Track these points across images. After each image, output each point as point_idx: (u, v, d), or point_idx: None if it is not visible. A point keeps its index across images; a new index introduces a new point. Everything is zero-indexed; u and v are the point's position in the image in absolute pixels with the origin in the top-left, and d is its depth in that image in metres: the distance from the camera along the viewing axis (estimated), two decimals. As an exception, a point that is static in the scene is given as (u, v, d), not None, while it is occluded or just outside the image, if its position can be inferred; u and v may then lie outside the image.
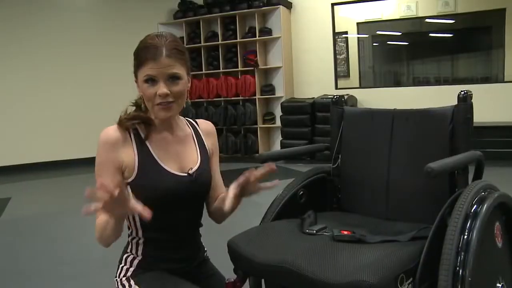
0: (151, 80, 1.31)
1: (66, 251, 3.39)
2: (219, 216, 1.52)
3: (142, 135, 1.38)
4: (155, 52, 1.31)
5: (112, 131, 1.35)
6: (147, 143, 1.38)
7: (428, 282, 1.28)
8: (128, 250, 1.42)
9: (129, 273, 1.39)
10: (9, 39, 6.78)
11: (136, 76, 1.37)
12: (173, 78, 1.32)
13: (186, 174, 1.40)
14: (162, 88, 1.31)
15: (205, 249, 1.55)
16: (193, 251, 1.48)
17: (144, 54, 1.32)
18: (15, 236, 3.84)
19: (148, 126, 1.39)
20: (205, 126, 1.56)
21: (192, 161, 1.44)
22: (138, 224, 1.39)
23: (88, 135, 7.12)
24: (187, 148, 1.46)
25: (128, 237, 1.43)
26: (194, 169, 1.42)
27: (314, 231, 1.45)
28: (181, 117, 1.49)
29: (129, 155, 1.35)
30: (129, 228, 1.41)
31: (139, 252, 1.40)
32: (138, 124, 1.38)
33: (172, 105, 1.34)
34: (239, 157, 7.14)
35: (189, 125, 1.51)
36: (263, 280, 1.56)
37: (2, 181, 6.30)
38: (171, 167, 1.38)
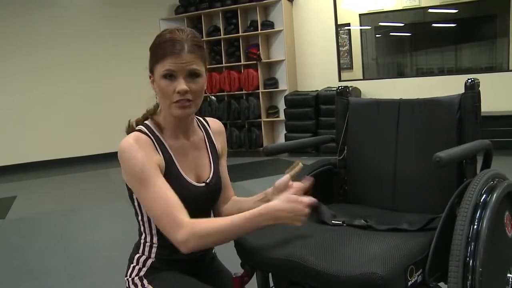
0: (170, 76, 1.26)
1: (73, 250, 3.39)
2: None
3: (163, 140, 1.33)
4: (176, 46, 1.25)
5: (133, 140, 1.27)
6: (169, 149, 1.34)
7: (438, 273, 1.27)
8: (140, 251, 1.39)
9: (142, 273, 1.37)
10: (11, 38, 6.78)
11: (152, 71, 1.31)
12: (193, 75, 1.28)
13: (203, 184, 1.38)
14: (181, 85, 1.26)
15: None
16: (204, 251, 1.47)
17: (164, 48, 1.26)
18: (21, 235, 3.85)
19: (166, 130, 1.35)
20: (215, 126, 1.52)
21: (207, 168, 1.43)
22: (154, 231, 1.36)
23: (92, 133, 7.15)
24: (202, 154, 1.43)
25: (140, 240, 1.40)
26: (209, 178, 1.41)
27: (341, 222, 1.45)
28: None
29: (159, 160, 1.29)
30: (142, 233, 1.39)
31: (152, 254, 1.37)
32: (155, 125, 1.34)
33: (190, 104, 1.29)
34: (244, 152, 7.13)
35: (201, 126, 1.47)
36: (270, 274, 1.55)
37: (8, 180, 6.32)
38: (191, 177, 1.36)
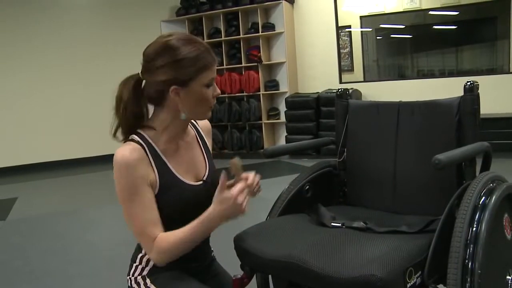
0: (211, 83, 1.34)
1: (74, 250, 3.40)
2: None
3: (156, 147, 1.34)
4: (212, 55, 1.33)
5: (128, 152, 1.28)
6: (162, 155, 1.34)
7: (437, 275, 1.27)
8: (143, 251, 1.39)
9: (144, 272, 1.38)
10: (12, 38, 6.80)
11: (185, 84, 1.30)
12: None
13: (201, 182, 1.40)
14: (218, 89, 1.37)
15: (212, 248, 1.55)
16: (205, 250, 1.48)
17: (205, 58, 1.31)
18: (23, 236, 3.86)
19: (163, 136, 1.36)
20: (203, 124, 1.55)
21: (202, 166, 1.45)
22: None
23: (93, 134, 7.15)
24: (196, 153, 1.45)
25: None
26: (206, 175, 1.42)
27: (341, 224, 1.45)
28: None
29: (151, 173, 1.31)
30: None
31: None
32: (149, 132, 1.35)
33: None
34: (245, 153, 7.13)
35: (191, 125, 1.49)
36: (270, 276, 1.56)
37: (9, 181, 6.33)
38: (188, 178, 1.37)
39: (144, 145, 1.32)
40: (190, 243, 1.28)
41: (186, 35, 1.34)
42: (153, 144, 1.34)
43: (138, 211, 1.28)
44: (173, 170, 1.35)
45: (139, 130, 1.36)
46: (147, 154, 1.31)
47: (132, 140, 1.32)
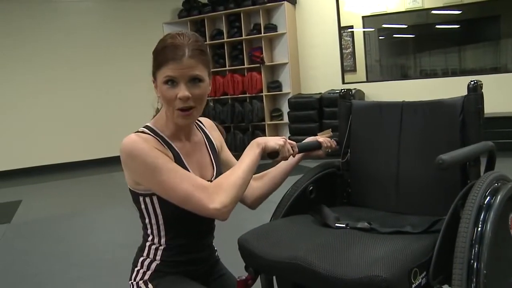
0: (171, 82, 1.26)
1: (77, 253, 3.40)
2: (261, 197, 1.55)
3: (168, 140, 1.34)
4: (177, 52, 1.24)
5: (136, 136, 1.27)
6: (174, 146, 1.34)
7: (442, 276, 1.26)
8: (145, 254, 1.39)
9: (146, 277, 1.37)
10: (15, 42, 6.82)
11: (154, 77, 1.31)
12: (195, 80, 1.27)
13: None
14: (183, 91, 1.25)
15: (216, 249, 1.54)
16: (209, 252, 1.48)
17: (164, 54, 1.25)
18: (26, 239, 3.87)
19: (168, 133, 1.35)
20: (207, 122, 1.55)
21: (209, 168, 1.44)
22: (162, 232, 1.36)
23: (96, 137, 7.18)
24: (203, 155, 1.45)
25: (146, 243, 1.40)
26: (213, 177, 1.42)
27: (345, 225, 1.44)
28: None
29: (168, 154, 1.30)
30: (148, 236, 1.39)
31: (158, 257, 1.37)
32: (157, 128, 1.35)
33: (192, 112, 1.30)
34: (248, 155, 7.13)
35: (198, 127, 1.49)
36: (274, 277, 1.55)
37: (13, 184, 6.34)
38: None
39: (154, 135, 1.33)
40: (244, 179, 1.26)
41: (181, 30, 1.33)
42: (165, 137, 1.35)
43: (180, 173, 1.24)
44: (186, 165, 1.35)
45: (148, 124, 1.37)
46: (159, 142, 1.32)
47: (143, 132, 1.33)
